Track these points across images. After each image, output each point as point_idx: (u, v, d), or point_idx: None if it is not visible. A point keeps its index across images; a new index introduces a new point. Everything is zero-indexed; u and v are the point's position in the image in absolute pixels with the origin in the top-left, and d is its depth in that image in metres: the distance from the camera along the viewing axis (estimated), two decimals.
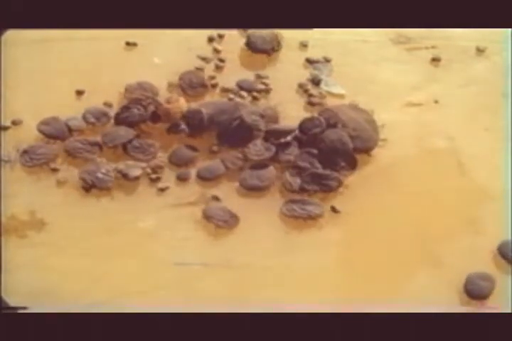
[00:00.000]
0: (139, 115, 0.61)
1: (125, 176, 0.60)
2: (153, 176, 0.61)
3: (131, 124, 0.61)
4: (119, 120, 0.62)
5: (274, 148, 0.61)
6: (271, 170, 0.61)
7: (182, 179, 0.61)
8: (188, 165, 0.61)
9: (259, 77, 0.64)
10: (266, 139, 0.61)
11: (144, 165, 0.61)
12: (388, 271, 0.58)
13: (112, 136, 0.61)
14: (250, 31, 0.64)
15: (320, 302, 0.58)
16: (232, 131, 0.62)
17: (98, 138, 0.62)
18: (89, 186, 0.60)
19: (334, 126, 0.61)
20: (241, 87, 0.63)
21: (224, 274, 0.59)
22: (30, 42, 0.64)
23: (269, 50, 0.64)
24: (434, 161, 0.62)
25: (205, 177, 0.61)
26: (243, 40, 0.64)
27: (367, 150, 0.61)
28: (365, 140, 0.61)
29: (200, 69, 0.63)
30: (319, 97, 0.63)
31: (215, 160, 0.61)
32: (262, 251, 0.59)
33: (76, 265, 0.59)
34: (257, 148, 0.61)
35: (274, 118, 0.62)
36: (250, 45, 0.64)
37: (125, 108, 0.62)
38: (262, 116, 0.62)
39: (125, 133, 0.61)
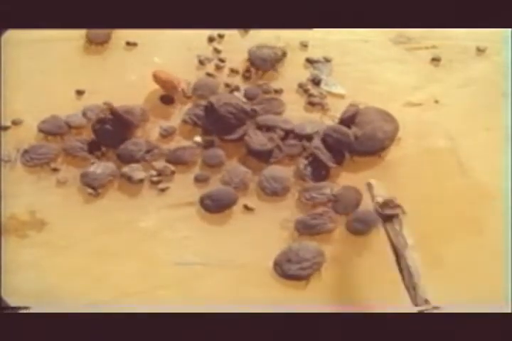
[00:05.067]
0: (111, 128, 0.61)
1: (129, 179, 0.60)
2: (155, 179, 0.61)
3: (113, 139, 0.61)
4: (103, 141, 0.62)
5: (277, 139, 0.61)
6: (283, 170, 0.61)
7: (200, 180, 0.61)
8: (189, 165, 0.61)
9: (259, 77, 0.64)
10: (267, 130, 0.61)
11: (146, 167, 0.61)
12: (389, 270, 0.58)
13: (127, 154, 0.61)
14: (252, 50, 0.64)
15: (320, 302, 0.58)
16: (214, 121, 0.61)
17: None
18: (95, 189, 0.60)
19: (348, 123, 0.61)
20: (247, 96, 0.63)
21: (224, 274, 0.59)
22: (30, 42, 0.64)
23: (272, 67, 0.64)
24: (434, 161, 0.62)
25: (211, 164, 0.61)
26: (243, 41, 0.64)
27: (363, 155, 0.61)
28: (366, 146, 0.60)
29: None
30: (319, 97, 0.63)
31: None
32: (262, 251, 0.59)
33: (76, 265, 0.59)
34: (259, 138, 0.61)
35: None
36: (253, 63, 0.64)
37: (96, 130, 0.61)
38: (244, 111, 0.61)
39: (135, 146, 0.61)
